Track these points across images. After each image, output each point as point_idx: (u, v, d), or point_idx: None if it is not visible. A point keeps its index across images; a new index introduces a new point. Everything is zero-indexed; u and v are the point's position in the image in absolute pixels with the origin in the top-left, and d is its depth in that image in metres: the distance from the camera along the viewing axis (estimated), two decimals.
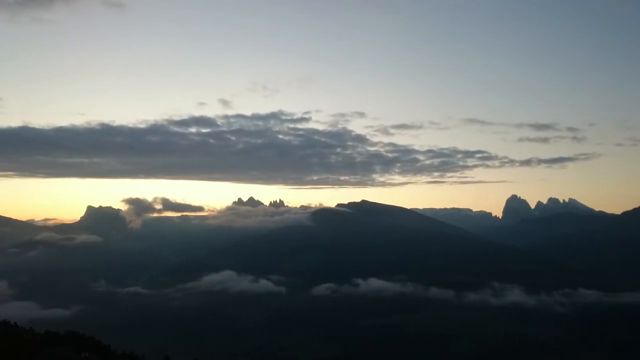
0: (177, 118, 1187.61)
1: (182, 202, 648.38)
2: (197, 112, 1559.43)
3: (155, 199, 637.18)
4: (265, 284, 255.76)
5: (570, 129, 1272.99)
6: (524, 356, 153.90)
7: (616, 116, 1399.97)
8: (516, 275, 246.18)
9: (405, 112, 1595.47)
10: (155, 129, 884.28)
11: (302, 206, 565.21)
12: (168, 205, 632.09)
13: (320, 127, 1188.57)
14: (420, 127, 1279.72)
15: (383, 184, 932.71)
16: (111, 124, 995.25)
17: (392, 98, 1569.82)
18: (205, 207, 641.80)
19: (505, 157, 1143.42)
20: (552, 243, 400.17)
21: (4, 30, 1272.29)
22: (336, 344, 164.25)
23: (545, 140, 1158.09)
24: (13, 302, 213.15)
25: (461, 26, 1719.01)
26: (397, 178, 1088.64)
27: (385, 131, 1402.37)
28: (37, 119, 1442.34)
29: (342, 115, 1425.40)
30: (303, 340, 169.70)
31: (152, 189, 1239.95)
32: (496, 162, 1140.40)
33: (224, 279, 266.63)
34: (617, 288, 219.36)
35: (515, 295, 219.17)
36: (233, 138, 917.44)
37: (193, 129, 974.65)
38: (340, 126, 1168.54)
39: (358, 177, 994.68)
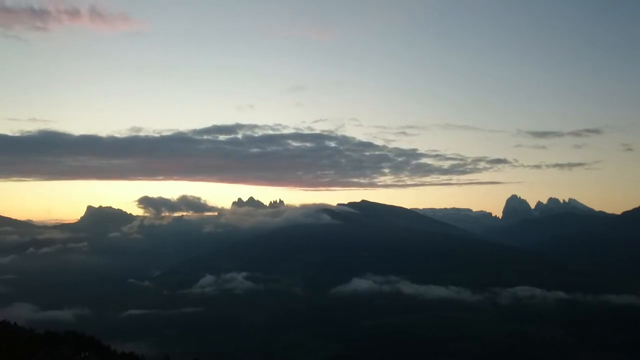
0: (197, 127, 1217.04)
1: (187, 202, 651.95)
2: (216, 121, 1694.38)
3: (161, 199, 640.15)
4: (266, 284, 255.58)
5: (571, 133, 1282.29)
6: (524, 356, 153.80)
7: (616, 120, 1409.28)
8: (516, 275, 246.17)
9: (404, 119, 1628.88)
10: (173, 137, 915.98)
11: (302, 205, 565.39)
12: (173, 205, 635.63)
13: (326, 133, 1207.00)
14: (419, 134, 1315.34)
15: (394, 186, 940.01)
16: (138, 132, 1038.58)
17: (391, 105, 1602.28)
18: (207, 208, 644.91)
19: (515, 161, 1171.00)
20: (552, 243, 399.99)
21: (55, 48, 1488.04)
22: (336, 344, 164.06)
23: (545, 146, 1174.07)
24: (13, 303, 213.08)
25: (459, 32, 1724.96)
26: (407, 180, 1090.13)
27: (386, 138, 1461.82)
28: (70, 126, 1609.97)
29: (343, 124, 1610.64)
30: (303, 340, 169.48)
31: (158, 190, 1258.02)
32: (506, 166, 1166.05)
33: (224, 278, 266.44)
34: (617, 288, 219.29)
35: (515, 295, 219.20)
36: (245, 143, 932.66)
37: (209, 136, 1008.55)
38: (344, 132, 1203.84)
39: (367, 179, 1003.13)
